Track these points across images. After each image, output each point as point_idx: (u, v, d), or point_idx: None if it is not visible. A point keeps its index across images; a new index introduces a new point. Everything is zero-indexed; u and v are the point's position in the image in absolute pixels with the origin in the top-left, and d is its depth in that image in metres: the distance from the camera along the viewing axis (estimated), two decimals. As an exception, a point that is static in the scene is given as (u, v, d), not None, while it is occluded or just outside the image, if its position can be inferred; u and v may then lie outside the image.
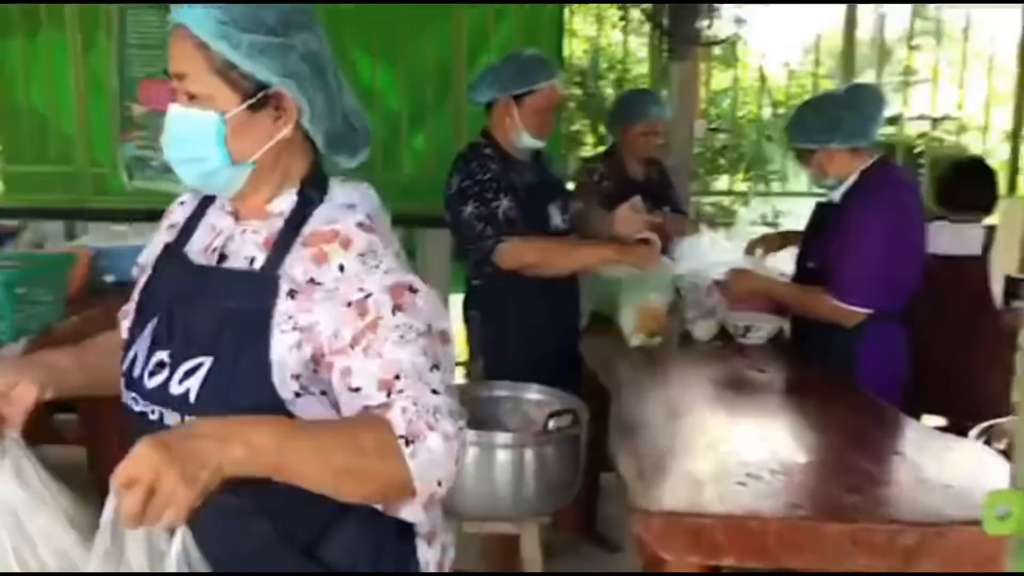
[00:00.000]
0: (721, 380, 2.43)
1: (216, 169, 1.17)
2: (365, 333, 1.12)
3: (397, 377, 1.11)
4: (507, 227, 2.55)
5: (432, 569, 1.28)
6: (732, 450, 1.83)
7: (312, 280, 1.15)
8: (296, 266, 1.15)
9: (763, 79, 5.95)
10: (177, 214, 1.34)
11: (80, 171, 4.06)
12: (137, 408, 1.19)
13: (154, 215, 3.71)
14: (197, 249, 1.26)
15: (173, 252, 1.28)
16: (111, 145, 3.97)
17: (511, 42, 3.71)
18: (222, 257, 1.22)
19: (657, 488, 1.62)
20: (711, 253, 2.66)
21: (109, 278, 3.00)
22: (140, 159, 3.96)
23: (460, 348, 2.71)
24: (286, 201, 1.21)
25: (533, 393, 2.28)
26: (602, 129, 6.32)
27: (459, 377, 1.32)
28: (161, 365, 1.16)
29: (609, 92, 6.74)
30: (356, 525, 1.18)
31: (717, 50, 4.91)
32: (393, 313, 1.13)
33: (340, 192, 1.23)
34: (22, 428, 1.15)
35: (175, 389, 1.14)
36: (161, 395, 1.15)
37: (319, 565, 1.18)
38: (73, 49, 3.96)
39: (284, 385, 1.13)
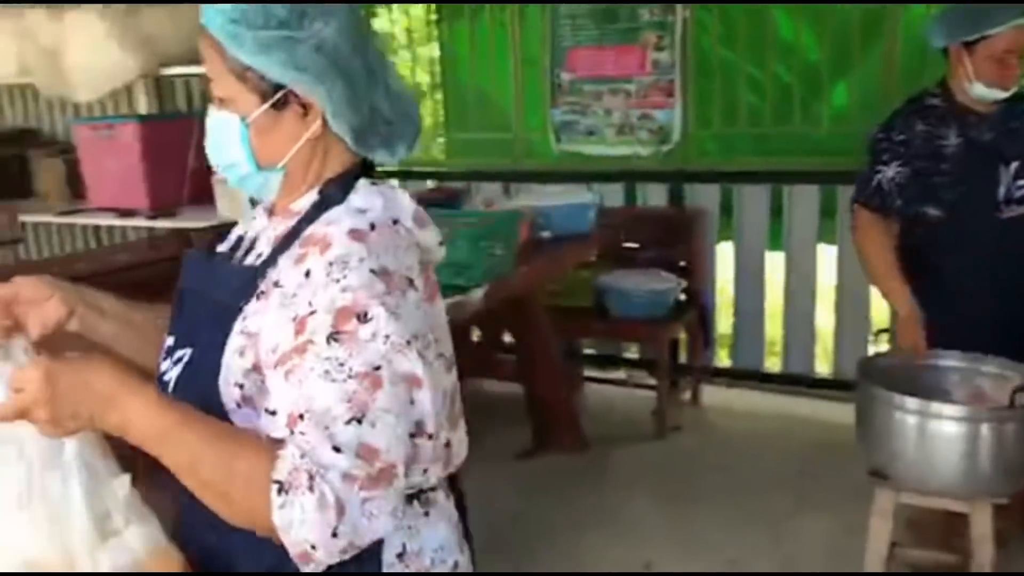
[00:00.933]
0: None
1: (247, 174, 1.12)
2: (292, 356, 1.01)
3: (302, 416, 0.98)
4: (877, 197, 2.39)
5: None
6: None
7: (277, 283, 1.07)
8: (282, 266, 1.08)
9: None
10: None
11: (515, 137, 4.49)
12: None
13: (579, 176, 4.04)
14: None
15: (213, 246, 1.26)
16: (542, 112, 4.33)
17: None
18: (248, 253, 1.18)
19: None
20: None
21: (545, 234, 3.29)
22: (567, 123, 4.27)
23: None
24: (307, 200, 1.13)
25: (990, 366, 2.10)
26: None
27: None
28: (169, 351, 1.15)
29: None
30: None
31: None
32: (328, 342, 0.99)
33: (362, 194, 1.12)
34: (34, 341, 1.13)
35: (167, 375, 1.13)
36: (161, 380, 1.14)
37: None
38: (511, 26, 4.38)
39: (227, 391, 1.06)
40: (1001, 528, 2.10)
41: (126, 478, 1.09)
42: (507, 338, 4.27)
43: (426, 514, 1.15)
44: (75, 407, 0.97)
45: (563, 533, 3.02)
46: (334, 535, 0.96)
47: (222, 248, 1.24)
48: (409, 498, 1.11)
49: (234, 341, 1.06)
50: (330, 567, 1.00)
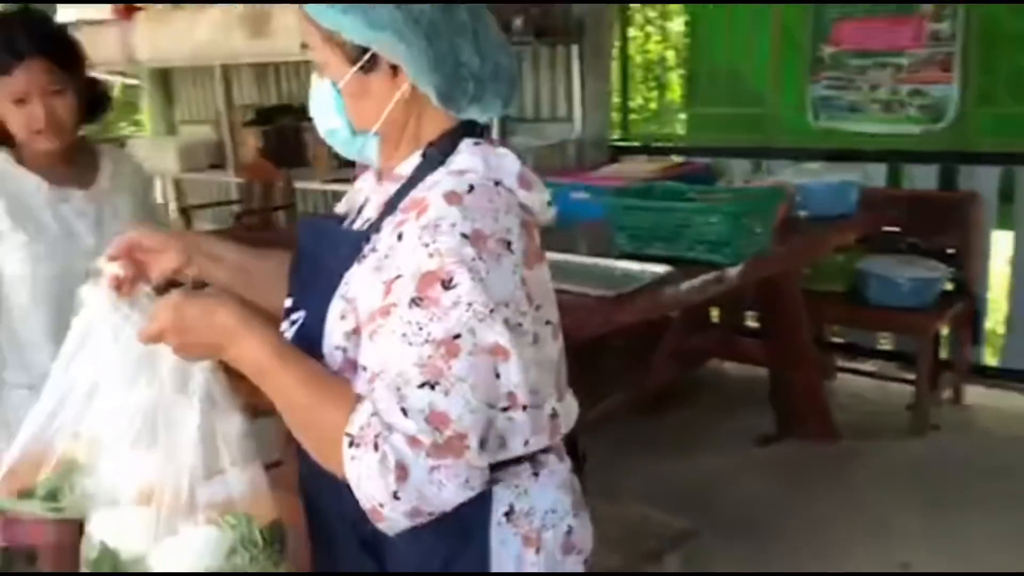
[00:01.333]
0: None
1: (347, 139, 1.13)
2: (377, 317, 1.02)
3: (379, 375, 1.00)
4: None
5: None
6: None
7: (375, 248, 1.08)
8: (383, 231, 1.08)
9: None
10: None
11: (767, 112, 4.32)
12: None
13: (839, 155, 3.84)
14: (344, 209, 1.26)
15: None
16: (800, 86, 4.14)
17: None
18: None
19: None
20: None
21: (803, 213, 3.15)
22: (827, 99, 4.06)
23: None
24: (410, 164, 1.12)
25: None
26: None
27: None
28: (287, 313, 1.17)
29: None
30: (421, 526, 1.03)
31: None
32: (410, 305, 0.99)
33: (464, 155, 1.09)
34: (154, 286, 1.22)
35: (285, 335, 1.14)
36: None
37: (376, 563, 1.12)
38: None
39: (331, 354, 1.08)
40: None
41: (238, 418, 1.14)
42: (749, 320, 4.17)
43: (535, 475, 1.13)
44: (199, 337, 1.07)
45: (805, 522, 2.91)
46: (396, 497, 0.97)
47: (339, 210, 1.27)
48: (518, 459, 1.10)
49: (336, 305, 1.08)
50: (430, 524, 1.02)
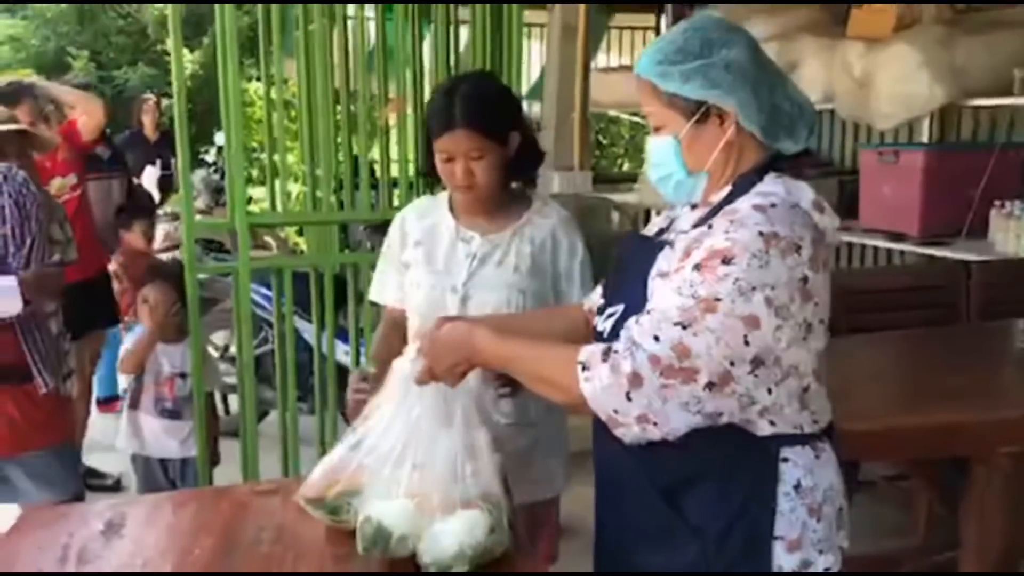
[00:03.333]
0: None
1: (680, 181, 1.39)
2: (668, 273, 1.30)
3: (648, 312, 1.27)
4: None
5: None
6: None
7: (673, 231, 1.42)
8: (693, 233, 1.33)
9: None
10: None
11: None
12: None
13: None
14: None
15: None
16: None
17: None
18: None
19: None
20: None
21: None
22: None
23: None
24: (723, 193, 1.36)
25: None
26: None
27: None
28: (601, 310, 1.46)
29: None
30: (716, 483, 1.31)
31: None
32: (691, 269, 1.25)
33: (768, 184, 1.33)
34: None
35: (600, 327, 1.43)
36: (596, 332, 1.44)
37: (675, 512, 1.34)
38: None
39: None
40: None
41: (481, 433, 1.46)
42: None
43: (817, 457, 1.34)
44: (446, 358, 1.43)
45: None
46: (628, 399, 1.24)
47: (647, 231, 1.54)
48: (802, 442, 1.32)
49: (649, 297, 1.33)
50: (724, 482, 1.30)
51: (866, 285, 3.20)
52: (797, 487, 1.31)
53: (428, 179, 2.06)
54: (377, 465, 1.44)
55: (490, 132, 1.78)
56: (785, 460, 1.31)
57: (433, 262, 1.90)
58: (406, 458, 1.41)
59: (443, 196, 1.96)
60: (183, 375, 2.94)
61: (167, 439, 2.96)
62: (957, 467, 2.31)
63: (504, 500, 1.42)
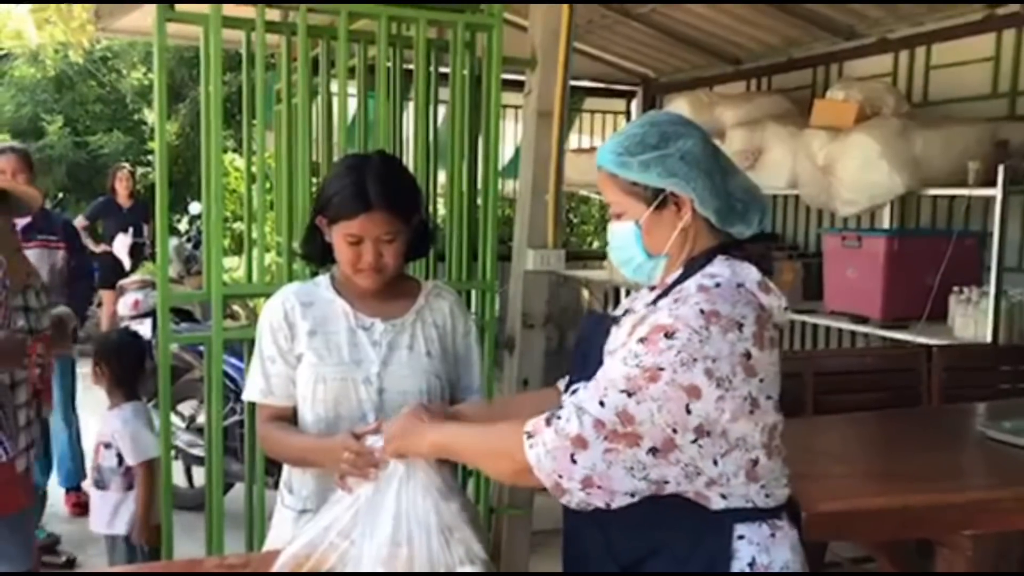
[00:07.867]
0: None
1: (640, 264, 1.48)
2: (616, 350, 1.38)
3: (595, 380, 1.35)
4: None
5: None
6: None
7: (628, 311, 1.52)
8: (641, 311, 1.44)
9: None
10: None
11: None
12: None
13: None
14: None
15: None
16: None
17: None
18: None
19: None
20: None
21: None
22: None
23: None
24: (675, 274, 1.45)
25: None
26: None
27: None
28: (567, 387, 1.52)
29: None
30: (674, 558, 1.36)
31: None
32: (636, 342, 1.32)
33: (716, 266, 1.41)
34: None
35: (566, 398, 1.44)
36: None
37: None
38: None
39: None
40: None
41: (457, 503, 1.53)
42: None
43: (772, 535, 1.38)
44: (406, 439, 1.51)
45: None
46: (573, 461, 1.29)
47: (624, 307, 1.58)
48: (757, 519, 1.36)
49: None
50: (681, 566, 1.35)
51: (832, 367, 3.29)
52: (751, 564, 1.35)
53: (312, 265, 1.93)
54: (344, 547, 1.51)
55: (403, 214, 1.71)
56: (741, 537, 1.35)
57: (336, 353, 1.75)
58: (385, 534, 1.48)
59: (323, 280, 1.83)
60: (107, 444, 2.83)
61: (96, 512, 2.87)
62: (921, 550, 2.34)
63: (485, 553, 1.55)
